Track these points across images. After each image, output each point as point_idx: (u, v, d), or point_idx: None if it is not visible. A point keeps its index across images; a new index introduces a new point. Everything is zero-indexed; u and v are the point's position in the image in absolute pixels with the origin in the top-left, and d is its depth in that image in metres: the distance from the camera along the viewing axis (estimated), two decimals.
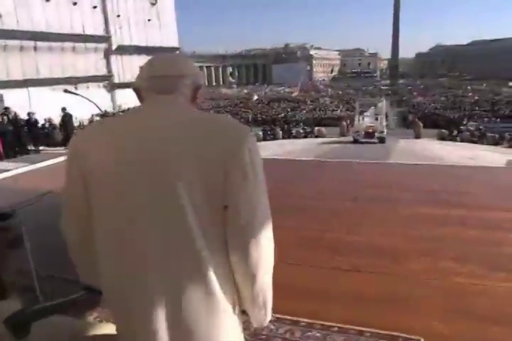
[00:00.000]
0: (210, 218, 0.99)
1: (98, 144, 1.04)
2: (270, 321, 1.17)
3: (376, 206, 4.28)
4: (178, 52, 50.44)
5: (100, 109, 21.93)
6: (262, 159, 1.03)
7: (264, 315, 1.12)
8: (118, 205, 1.01)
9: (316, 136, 23.91)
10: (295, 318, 2.34)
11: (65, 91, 3.45)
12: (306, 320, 2.33)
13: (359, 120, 21.57)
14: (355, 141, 18.13)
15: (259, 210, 1.02)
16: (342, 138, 20.86)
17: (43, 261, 2.69)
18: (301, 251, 3.20)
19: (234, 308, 1.09)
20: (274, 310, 1.11)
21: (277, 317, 2.28)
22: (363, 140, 18.17)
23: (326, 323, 2.29)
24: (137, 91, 1.15)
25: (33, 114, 14.03)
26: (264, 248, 1.03)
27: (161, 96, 1.08)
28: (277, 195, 4.59)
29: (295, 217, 3.87)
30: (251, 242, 1.00)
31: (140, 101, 1.16)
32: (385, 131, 19.97)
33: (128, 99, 36.97)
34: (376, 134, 18.87)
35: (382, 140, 18.21)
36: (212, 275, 1.00)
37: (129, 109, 36.76)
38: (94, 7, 36.62)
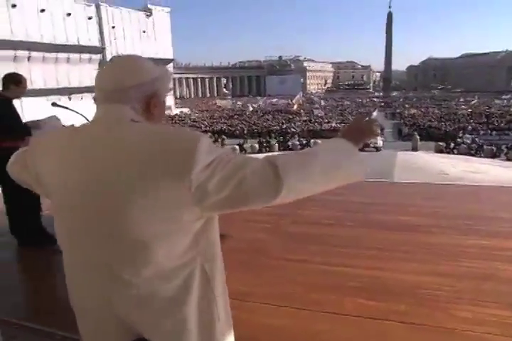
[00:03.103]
0: (163, 230, 0.92)
1: (50, 155, 1.02)
2: None
3: (395, 234, 3.80)
4: (172, 64, 50.49)
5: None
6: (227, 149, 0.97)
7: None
8: (63, 217, 1.01)
9: None
10: None
11: (53, 104, 3.26)
12: None
13: None
14: None
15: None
16: None
17: None
18: (315, 291, 2.66)
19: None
20: None
21: None
22: (361, 148, 22.27)
23: None
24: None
25: None
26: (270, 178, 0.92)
27: (106, 112, 1.00)
28: (281, 223, 4.26)
29: (302, 248, 3.36)
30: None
31: None
32: (379, 142, 23.25)
33: None
34: (371, 145, 22.30)
35: (377, 149, 22.13)
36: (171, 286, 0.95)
37: None
38: (90, 18, 36.51)
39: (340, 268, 3.01)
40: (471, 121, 35.67)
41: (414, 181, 6.95)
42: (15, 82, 3.46)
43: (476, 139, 25.66)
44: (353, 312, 2.39)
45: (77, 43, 34.59)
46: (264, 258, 3.18)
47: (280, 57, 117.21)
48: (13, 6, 28.81)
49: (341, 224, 4.15)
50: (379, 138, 25.26)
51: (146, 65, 1.05)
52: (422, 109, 47.59)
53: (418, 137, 24.30)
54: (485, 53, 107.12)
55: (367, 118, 1.15)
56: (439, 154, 20.63)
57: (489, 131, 30.14)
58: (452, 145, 23.64)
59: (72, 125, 1.15)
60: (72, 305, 1.07)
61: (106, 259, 0.94)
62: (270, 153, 1.08)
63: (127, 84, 0.99)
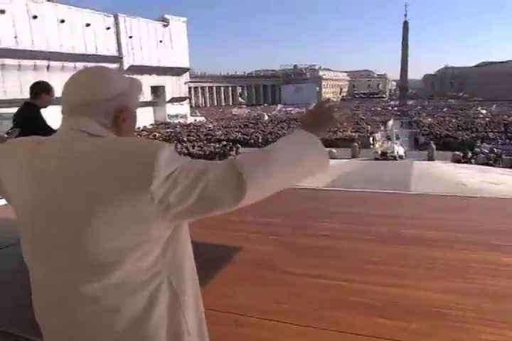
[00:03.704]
0: (122, 247, 0.88)
1: (12, 166, 0.99)
2: None
3: (411, 248, 3.66)
4: (188, 72, 51.02)
5: None
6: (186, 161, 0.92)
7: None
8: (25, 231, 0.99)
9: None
10: None
11: None
12: None
13: (380, 145, 26.89)
14: (375, 159, 22.58)
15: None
16: (362, 158, 23.61)
17: None
18: (329, 309, 2.53)
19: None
20: None
21: None
22: (381, 158, 22.88)
23: None
24: None
25: None
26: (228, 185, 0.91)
27: (70, 125, 0.96)
28: (291, 234, 4.08)
29: (313, 262, 3.26)
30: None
31: None
32: (396, 151, 23.78)
33: (139, 118, 37.42)
34: (388, 154, 23.15)
35: (395, 158, 22.74)
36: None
37: (139, 128, 37.45)
38: (108, 28, 37.24)
39: (339, 283, 2.88)
40: (489, 130, 35.06)
41: (425, 192, 6.76)
42: (46, 91, 3.49)
43: (495, 149, 25.19)
44: (360, 331, 2.28)
45: (95, 53, 35.28)
46: (265, 271, 3.11)
47: (295, 66, 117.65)
48: (34, 17, 29.62)
49: (338, 236, 3.98)
50: (396, 146, 25.25)
51: (115, 77, 1.01)
52: (439, 118, 47.03)
53: (434, 146, 23.91)
54: (503, 62, 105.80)
55: (326, 105, 1.14)
56: (457, 164, 20.23)
57: (508, 141, 29.54)
58: (470, 154, 23.24)
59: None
60: (38, 323, 1.03)
61: (69, 275, 0.92)
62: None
63: (95, 98, 0.96)
